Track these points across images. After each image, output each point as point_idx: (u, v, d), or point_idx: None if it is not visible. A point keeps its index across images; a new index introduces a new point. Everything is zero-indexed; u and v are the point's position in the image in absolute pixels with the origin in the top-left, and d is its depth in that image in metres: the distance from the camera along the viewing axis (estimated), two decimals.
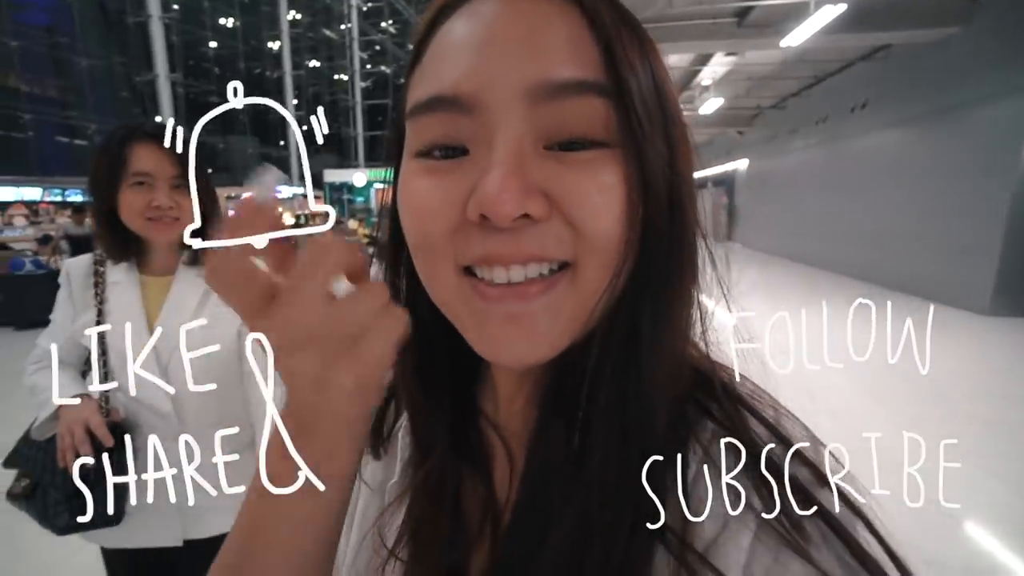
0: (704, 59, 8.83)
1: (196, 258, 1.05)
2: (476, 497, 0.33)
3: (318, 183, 23.12)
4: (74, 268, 1.06)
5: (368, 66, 29.87)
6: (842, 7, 4.98)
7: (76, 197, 14.66)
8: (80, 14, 18.63)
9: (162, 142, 0.96)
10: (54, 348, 1.04)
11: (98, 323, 1.00)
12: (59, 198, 14.32)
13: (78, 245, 5.33)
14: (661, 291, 0.26)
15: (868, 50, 7.88)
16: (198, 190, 1.07)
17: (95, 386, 1.01)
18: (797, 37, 5.60)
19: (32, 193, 13.61)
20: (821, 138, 9.98)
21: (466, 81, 0.24)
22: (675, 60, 9.21)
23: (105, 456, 0.94)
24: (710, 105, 10.01)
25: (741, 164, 15.06)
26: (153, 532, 1.03)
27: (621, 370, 0.26)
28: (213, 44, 23.40)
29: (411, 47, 0.30)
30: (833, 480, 0.24)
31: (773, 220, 12.47)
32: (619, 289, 0.26)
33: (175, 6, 20.53)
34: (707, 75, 9.64)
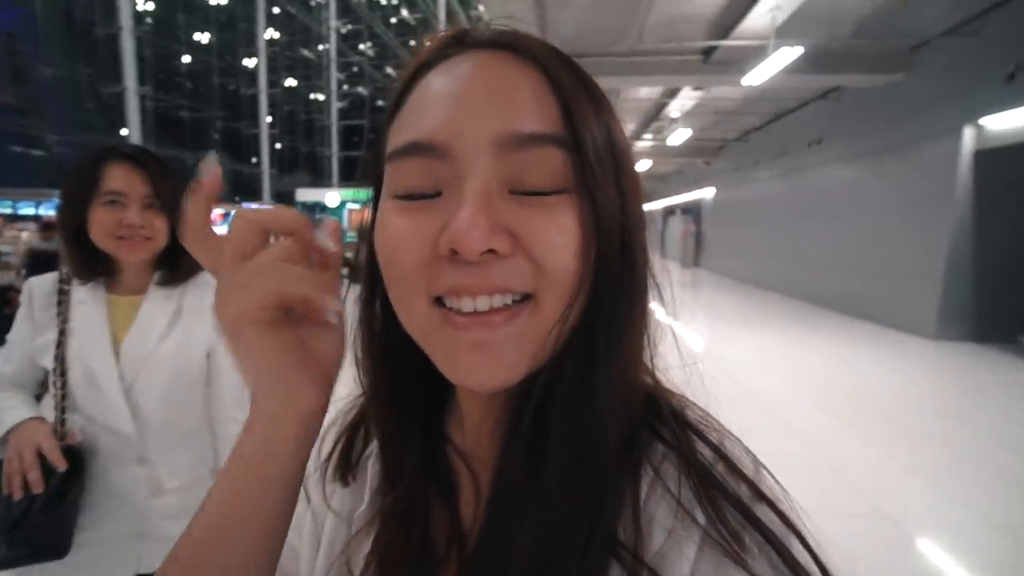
0: (673, 92, 9.26)
1: (168, 278, 1.03)
2: (443, 523, 0.34)
3: (290, 202, 22.80)
4: (37, 286, 1.02)
5: (345, 87, 29.98)
6: (799, 50, 5.35)
7: (29, 210, 13.99)
8: (44, 21, 18.16)
9: (137, 162, 0.97)
10: (3, 369, 1.01)
11: (59, 343, 0.96)
12: (10, 210, 13.63)
13: (41, 261, 5.06)
14: (613, 321, 0.29)
15: (822, 90, 8.44)
16: (172, 210, 1.06)
17: (51, 408, 0.96)
18: (757, 76, 5.97)
19: None
20: (781, 170, 10.54)
21: (442, 130, 0.27)
22: (645, 92, 9.63)
23: (56, 483, 0.89)
24: (678, 136, 10.47)
25: (708, 193, 15.67)
26: (102, 565, 0.96)
27: (576, 395, 0.28)
28: (186, 58, 23.11)
29: (392, 99, 0.33)
30: (769, 496, 0.27)
31: (738, 247, 12.97)
32: (574, 319, 0.28)
33: (148, 19, 20.26)
34: (676, 107, 10.10)
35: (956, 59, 5.88)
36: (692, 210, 17.36)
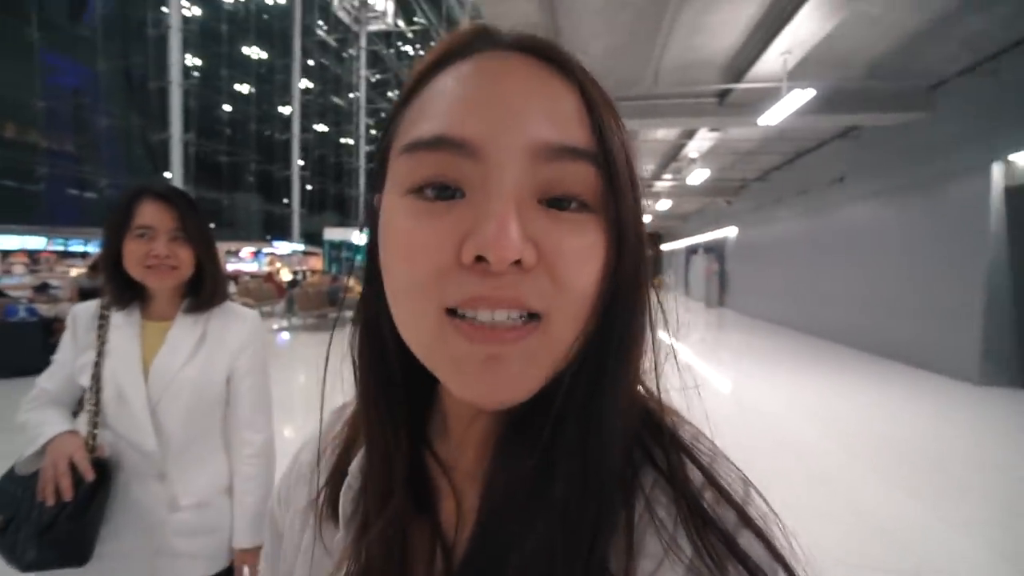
0: (690, 133, 9.42)
1: (194, 306, 1.11)
2: (420, 538, 0.32)
3: (318, 241, 23.57)
4: (81, 312, 1.12)
5: (373, 131, 31.44)
6: (811, 92, 5.43)
7: (78, 247, 14.84)
8: (106, 79, 19.79)
9: (166, 199, 1.07)
10: (47, 386, 1.10)
11: (97, 363, 1.04)
12: (62, 247, 14.50)
13: (89, 297, 5.55)
14: (623, 338, 0.28)
15: (841, 130, 8.46)
16: (197, 242, 1.19)
17: (84, 422, 1.04)
18: (772, 117, 6.05)
19: (36, 242, 13.80)
20: (804, 208, 10.46)
21: (476, 127, 0.26)
22: (663, 133, 9.82)
23: (82, 493, 0.95)
24: (697, 176, 10.56)
25: (731, 232, 15.58)
26: None
27: (585, 413, 0.27)
28: (227, 108, 24.67)
29: (409, 83, 0.31)
30: (756, 523, 0.26)
31: (762, 286, 12.75)
32: (586, 337, 0.28)
33: (195, 73, 21.86)
34: (693, 148, 10.24)
35: (978, 97, 5.86)
36: (715, 249, 17.24)
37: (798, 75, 5.73)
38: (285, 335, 9.56)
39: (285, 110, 26.20)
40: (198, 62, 23.12)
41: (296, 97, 25.02)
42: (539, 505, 0.26)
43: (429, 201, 0.27)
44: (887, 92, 6.47)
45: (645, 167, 12.88)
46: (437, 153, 0.26)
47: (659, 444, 0.29)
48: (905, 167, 7.21)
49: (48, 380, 1.11)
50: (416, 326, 0.28)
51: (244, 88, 25.48)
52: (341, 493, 0.35)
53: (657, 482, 0.28)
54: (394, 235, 0.28)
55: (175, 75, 17.52)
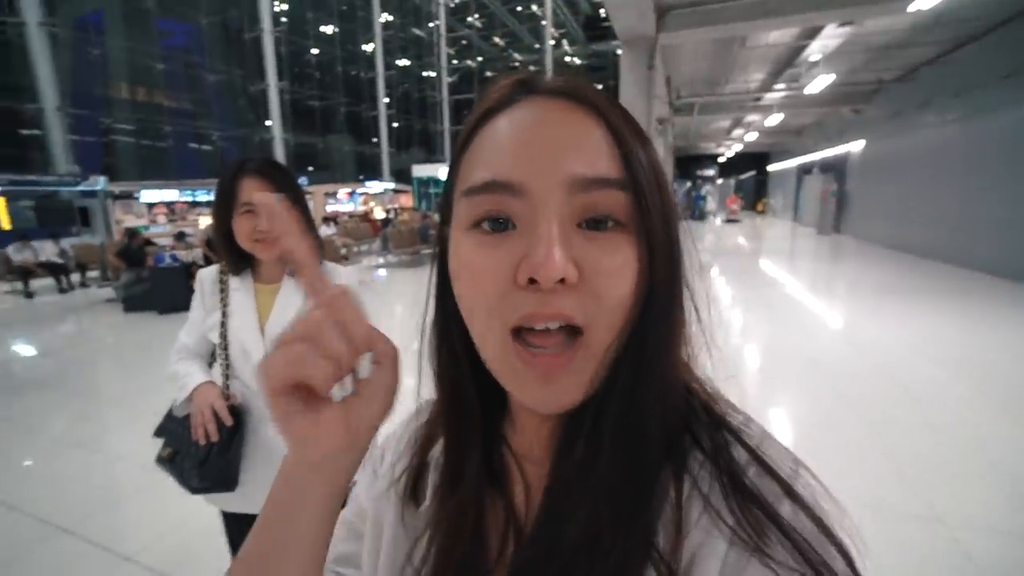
0: (813, 32, 7.95)
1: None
2: (495, 520, 0.37)
3: (407, 178, 24.29)
4: (205, 276, 1.27)
5: (454, 61, 30.73)
6: None
7: (204, 197, 16.69)
8: (208, 33, 21.10)
9: (264, 176, 1.10)
10: (187, 341, 1.24)
11: (223, 323, 1.20)
12: (190, 198, 16.39)
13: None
14: (660, 340, 0.32)
15: (1021, 8, 6.63)
16: (296, 214, 1.16)
17: (218, 373, 1.22)
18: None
19: (170, 195, 15.67)
20: (960, 113, 8.63)
21: (518, 171, 0.31)
22: (776, 36, 8.40)
23: (226, 433, 1.14)
24: (819, 83, 9.03)
25: (855, 146, 13.48)
26: (260, 500, 1.17)
27: (627, 405, 0.31)
28: (315, 51, 25.32)
29: (461, 136, 0.36)
30: (801, 496, 0.29)
31: (895, 209, 11.05)
32: (624, 341, 0.32)
33: (283, 19, 22.48)
34: (816, 49, 8.69)
35: None
36: (834, 167, 15.11)
37: None
38: (382, 272, 10.20)
39: (368, 48, 26.32)
40: (284, 7, 23.67)
41: (378, 33, 24.95)
42: (589, 486, 0.31)
43: (487, 234, 0.32)
44: None
45: (753, 77, 11.27)
46: (489, 196, 0.31)
47: (705, 428, 0.33)
48: None
49: (187, 336, 1.28)
50: (487, 344, 0.33)
51: (328, 29, 25.84)
52: (429, 471, 0.41)
53: (704, 464, 0.31)
54: (461, 265, 0.33)
55: (266, 23, 18.13)
